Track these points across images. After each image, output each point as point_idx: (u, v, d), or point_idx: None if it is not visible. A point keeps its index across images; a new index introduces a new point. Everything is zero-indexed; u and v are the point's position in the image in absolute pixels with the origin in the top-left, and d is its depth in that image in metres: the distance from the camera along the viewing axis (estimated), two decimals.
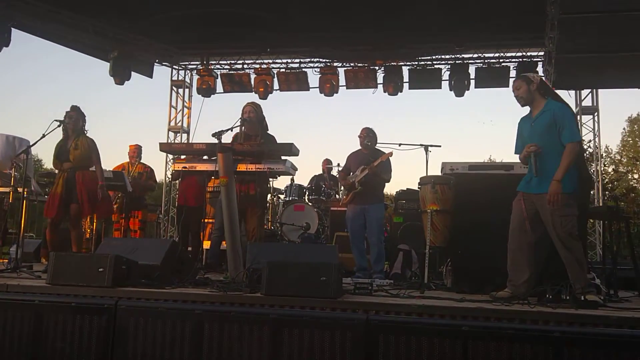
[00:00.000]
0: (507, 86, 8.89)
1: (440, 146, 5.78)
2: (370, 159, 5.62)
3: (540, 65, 8.40)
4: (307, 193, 8.33)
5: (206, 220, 6.89)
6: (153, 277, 4.14)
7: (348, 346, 2.87)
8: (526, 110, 4.14)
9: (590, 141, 9.44)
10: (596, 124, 9.33)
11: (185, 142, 10.59)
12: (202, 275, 4.72)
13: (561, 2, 4.83)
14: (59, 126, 5.29)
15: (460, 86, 9.37)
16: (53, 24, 9.02)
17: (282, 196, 8.59)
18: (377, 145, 5.82)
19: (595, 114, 9.32)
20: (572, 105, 9.43)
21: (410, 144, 5.79)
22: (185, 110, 11.31)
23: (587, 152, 9.60)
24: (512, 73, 9.15)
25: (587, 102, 9.36)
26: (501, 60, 9.27)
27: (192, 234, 7.21)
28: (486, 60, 9.31)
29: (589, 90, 9.14)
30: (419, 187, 5.02)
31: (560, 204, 3.73)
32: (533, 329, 2.86)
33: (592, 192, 8.63)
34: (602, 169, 9.45)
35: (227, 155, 4.41)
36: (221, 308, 3.27)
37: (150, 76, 11.19)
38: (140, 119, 56.43)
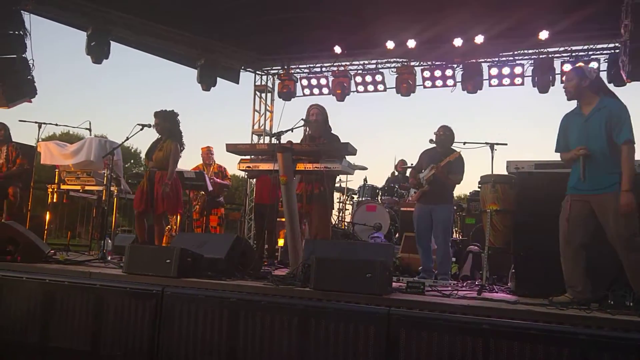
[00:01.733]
0: None
1: (506, 144, 5.59)
2: (442, 158, 5.53)
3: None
4: (380, 193, 8.36)
5: (283, 220, 7.16)
6: (217, 269, 4.43)
7: (371, 338, 2.93)
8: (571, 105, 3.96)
9: None
10: None
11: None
12: (273, 270, 4.94)
13: None
14: (141, 129, 5.77)
15: (544, 82, 8.92)
16: (146, 36, 9.79)
17: (355, 196, 8.69)
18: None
19: None
20: None
21: (475, 142, 5.64)
22: (268, 113, 11.74)
23: None
24: (604, 66, 8.58)
25: None
26: (590, 53, 8.71)
27: (267, 232, 7.51)
28: (574, 54, 8.79)
29: None
30: (479, 187, 4.90)
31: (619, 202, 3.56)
32: (556, 330, 2.75)
33: None
34: None
35: (287, 155, 4.59)
36: (253, 297, 3.47)
37: (237, 82, 11.80)
38: (227, 122, 59.07)
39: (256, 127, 11.61)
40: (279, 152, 4.58)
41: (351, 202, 8.79)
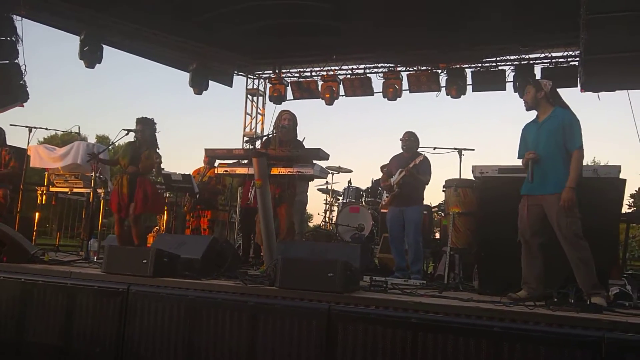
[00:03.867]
0: (576, 85, 8.55)
1: (473, 149, 5.82)
2: (409, 162, 5.78)
3: None
4: (363, 195, 8.57)
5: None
6: (194, 269, 4.65)
7: (313, 332, 3.16)
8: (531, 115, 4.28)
9: None
10: None
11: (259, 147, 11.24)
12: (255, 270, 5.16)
13: (588, 2, 4.70)
14: (126, 134, 5.99)
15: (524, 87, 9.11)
16: (139, 41, 10.00)
17: (340, 198, 8.90)
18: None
19: None
20: None
21: (444, 148, 5.87)
22: (259, 117, 11.96)
23: None
24: None
25: None
26: (569, 60, 8.91)
27: (254, 234, 7.72)
28: (553, 60, 9.00)
29: None
30: (443, 190, 5.12)
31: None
32: (476, 324, 2.98)
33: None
34: None
35: (262, 160, 4.81)
36: (209, 295, 3.73)
37: (230, 85, 12.00)
38: (220, 125, 59.39)
39: (248, 130, 11.83)
40: (255, 157, 4.81)
41: (337, 204, 9.00)
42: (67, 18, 9.29)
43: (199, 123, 63.51)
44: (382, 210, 7.58)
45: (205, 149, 5.20)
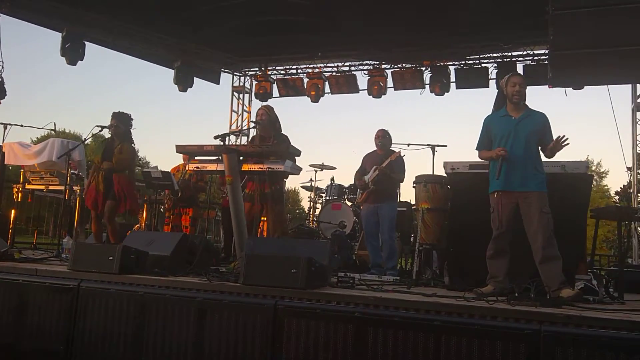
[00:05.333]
0: None
1: (446, 146, 5.82)
2: (383, 159, 5.79)
3: None
4: (346, 193, 8.55)
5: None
6: (163, 266, 4.62)
7: (257, 328, 3.17)
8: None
9: None
10: None
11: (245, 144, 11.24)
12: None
13: None
14: (100, 131, 5.96)
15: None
16: (122, 38, 9.96)
17: (323, 195, 8.88)
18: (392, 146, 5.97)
19: None
20: (628, 100, 9.02)
21: (417, 144, 5.87)
22: (245, 114, 11.94)
23: None
24: None
25: None
26: None
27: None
28: (535, 57, 9.00)
29: None
30: (413, 186, 5.12)
31: (545, 201, 3.89)
32: (417, 317, 3.02)
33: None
34: None
35: (232, 156, 4.78)
36: (158, 291, 3.74)
37: (218, 83, 11.97)
38: (205, 122, 59.14)
39: (234, 127, 11.79)
40: (225, 153, 4.78)
41: (320, 201, 8.99)
42: (49, 15, 9.24)
43: (184, 120, 63.29)
44: (361, 207, 7.57)
45: (176, 146, 5.16)
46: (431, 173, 5.52)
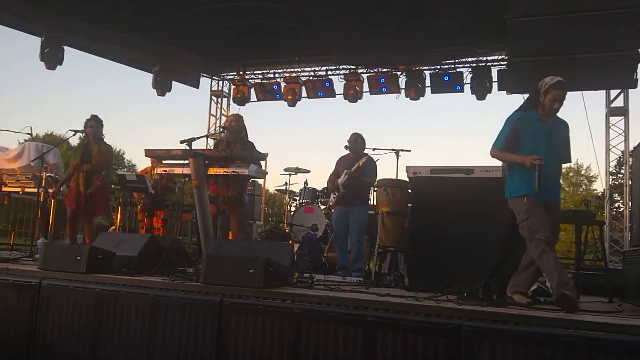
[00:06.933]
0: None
1: (409, 151, 5.98)
2: (355, 163, 5.92)
3: None
4: (319, 196, 8.70)
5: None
6: (130, 266, 4.73)
7: (207, 324, 3.32)
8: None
9: (620, 143, 9.07)
10: (627, 126, 8.98)
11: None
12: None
13: (511, 6, 4.86)
14: (73, 135, 6.07)
15: (481, 89, 9.33)
16: (101, 42, 10.03)
17: (297, 199, 9.02)
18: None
19: (626, 115, 8.98)
20: (602, 106, 9.19)
21: (382, 149, 6.03)
22: (224, 118, 12.02)
23: (618, 156, 9.29)
24: None
25: (617, 103, 9.04)
26: None
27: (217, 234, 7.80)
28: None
29: (619, 90, 8.85)
30: (374, 190, 5.27)
31: None
32: (351, 313, 3.20)
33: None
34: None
35: (198, 160, 4.91)
36: (114, 288, 3.90)
37: (197, 87, 12.10)
38: (183, 126, 58.80)
39: (212, 131, 11.90)
40: (191, 157, 4.91)
41: (294, 204, 9.13)
42: (28, 19, 9.29)
43: (163, 123, 62.92)
44: (332, 210, 7.72)
45: (145, 150, 5.28)
46: (395, 177, 5.68)
